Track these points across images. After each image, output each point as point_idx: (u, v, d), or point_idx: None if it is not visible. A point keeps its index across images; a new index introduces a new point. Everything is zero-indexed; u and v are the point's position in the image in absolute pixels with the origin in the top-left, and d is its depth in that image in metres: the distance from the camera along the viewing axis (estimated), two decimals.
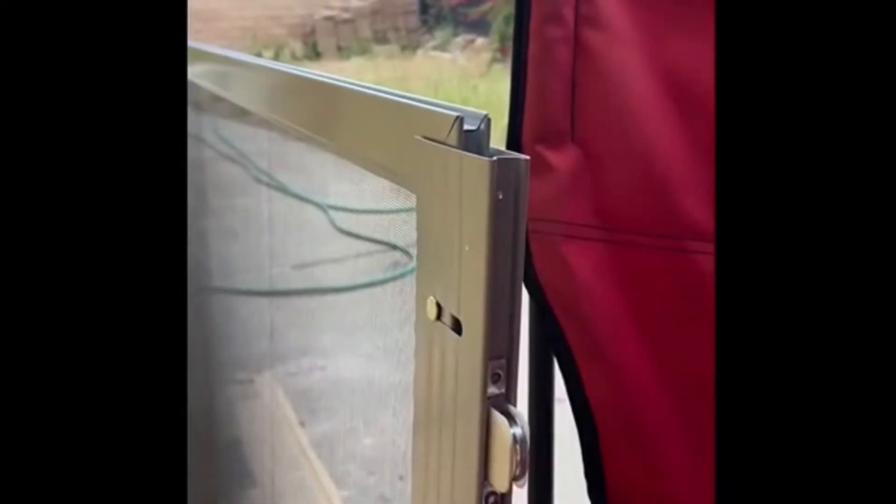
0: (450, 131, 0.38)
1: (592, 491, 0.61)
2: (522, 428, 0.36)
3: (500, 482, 0.37)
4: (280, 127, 0.71)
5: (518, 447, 0.36)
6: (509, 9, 8.52)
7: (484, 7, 9.68)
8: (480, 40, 9.82)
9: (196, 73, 1.17)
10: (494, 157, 0.35)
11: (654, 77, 0.57)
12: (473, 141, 0.37)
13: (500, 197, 0.35)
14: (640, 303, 0.59)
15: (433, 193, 0.40)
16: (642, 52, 0.57)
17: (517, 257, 0.36)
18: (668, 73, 0.57)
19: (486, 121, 0.38)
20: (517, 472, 0.36)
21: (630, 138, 0.56)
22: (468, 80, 7.65)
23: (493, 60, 8.72)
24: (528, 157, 0.35)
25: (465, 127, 0.37)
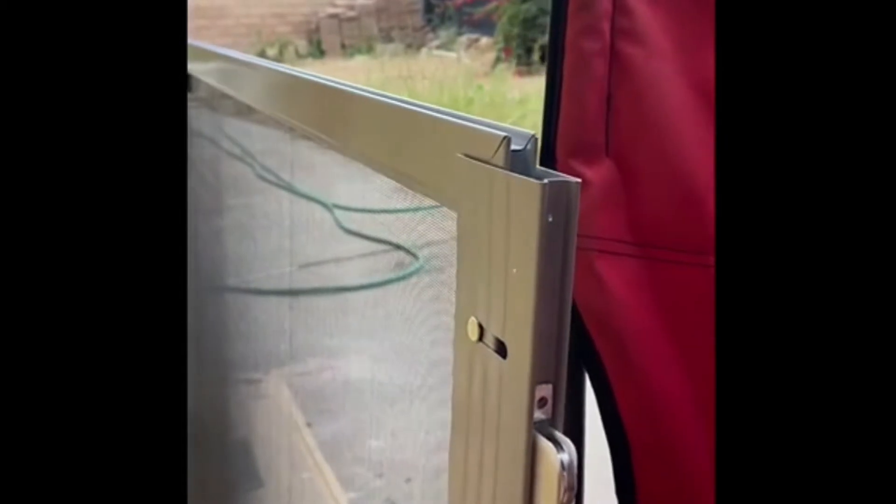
0: (496, 151, 0.37)
1: None
2: (570, 454, 0.36)
3: None
4: (312, 139, 0.70)
5: (566, 474, 0.35)
6: (514, 9, 8.55)
7: (489, 7, 9.67)
8: (484, 40, 9.81)
9: (212, 74, 1.16)
10: (545, 180, 0.34)
11: (689, 91, 0.56)
12: (520, 161, 0.36)
13: (551, 220, 0.34)
14: (673, 319, 0.58)
15: (476, 213, 0.39)
16: (677, 65, 0.56)
17: (566, 281, 0.35)
18: (703, 87, 0.56)
19: (534, 141, 0.37)
20: (565, 500, 0.36)
21: (665, 153, 0.55)
22: (473, 79, 7.64)
23: (498, 60, 8.71)
24: (579, 180, 0.35)
25: (512, 147, 0.37)
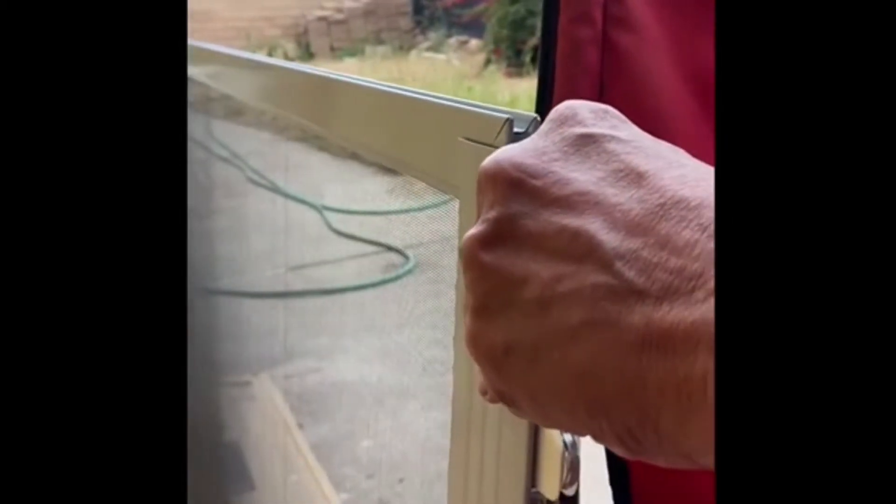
0: (499, 133, 0.37)
1: (617, 493, 0.60)
2: (573, 434, 0.36)
3: (549, 489, 0.37)
4: (309, 133, 0.70)
5: (568, 454, 0.36)
6: (503, 10, 8.55)
7: (477, 8, 9.69)
8: (474, 41, 9.83)
9: (208, 75, 1.16)
10: None
11: (682, 79, 0.56)
12: None
13: None
14: None
15: None
16: (670, 53, 0.56)
17: None
18: (696, 75, 0.57)
19: (536, 123, 0.37)
20: (568, 480, 0.36)
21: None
22: (463, 81, 7.65)
23: (488, 62, 8.72)
24: None
25: (515, 129, 0.37)
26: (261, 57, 1.02)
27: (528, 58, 8.16)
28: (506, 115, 0.37)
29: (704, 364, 0.22)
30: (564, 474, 0.36)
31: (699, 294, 0.23)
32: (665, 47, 0.56)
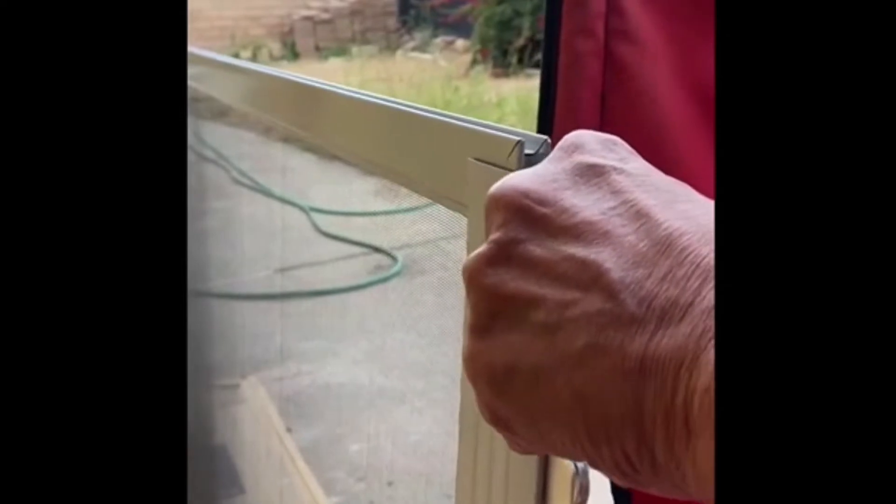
0: (510, 154, 0.37)
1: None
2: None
3: None
4: (306, 143, 0.70)
5: (579, 478, 0.36)
6: (490, 10, 8.55)
7: (464, 8, 9.68)
8: (460, 42, 9.83)
9: (198, 78, 1.15)
10: None
11: (683, 90, 0.57)
12: (534, 165, 0.37)
13: None
14: None
15: None
16: (672, 65, 0.56)
17: None
18: (698, 86, 0.57)
19: (546, 145, 0.37)
20: (578, 501, 0.36)
21: (660, 152, 0.55)
22: (450, 81, 7.64)
23: (474, 62, 8.72)
24: None
25: (526, 151, 0.37)
26: (248, 63, 1.01)
27: (514, 58, 8.17)
28: (517, 137, 0.37)
29: (684, 391, 0.23)
30: (574, 498, 0.36)
31: (684, 324, 0.24)
32: (666, 57, 0.57)
